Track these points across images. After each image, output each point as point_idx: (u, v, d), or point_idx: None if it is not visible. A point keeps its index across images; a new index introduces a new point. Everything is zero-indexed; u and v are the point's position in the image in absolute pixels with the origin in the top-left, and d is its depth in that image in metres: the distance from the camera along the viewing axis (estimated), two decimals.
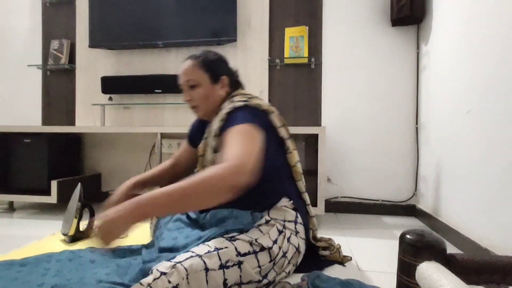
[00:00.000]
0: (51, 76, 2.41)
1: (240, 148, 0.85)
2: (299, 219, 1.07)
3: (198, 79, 1.10)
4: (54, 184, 1.89)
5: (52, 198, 1.90)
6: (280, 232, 0.99)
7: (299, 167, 1.14)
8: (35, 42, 2.41)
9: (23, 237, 1.47)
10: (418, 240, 0.59)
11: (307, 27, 2.06)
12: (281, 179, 1.10)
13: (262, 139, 0.96)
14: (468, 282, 0.50)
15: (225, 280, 0.81)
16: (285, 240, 0.99)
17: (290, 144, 1.12)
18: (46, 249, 1.26)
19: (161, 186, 1.14)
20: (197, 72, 1.10)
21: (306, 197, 1.16)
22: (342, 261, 1.18)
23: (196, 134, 1.28)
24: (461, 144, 1.42)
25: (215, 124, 1.06)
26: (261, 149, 0.92)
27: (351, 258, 1.23)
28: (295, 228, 1.05)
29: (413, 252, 0.59)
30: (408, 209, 1.99)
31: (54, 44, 2.35)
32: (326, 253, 1.18)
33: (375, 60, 2.03)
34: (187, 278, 0.73)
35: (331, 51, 2.08)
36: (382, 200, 2.03)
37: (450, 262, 0.56)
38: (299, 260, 1.08)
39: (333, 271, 1.11)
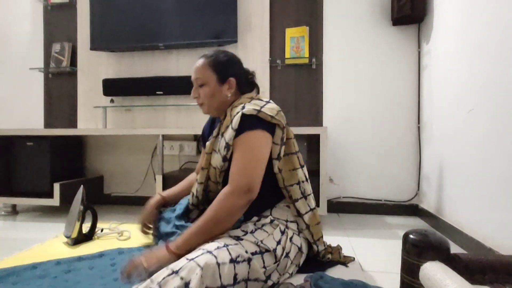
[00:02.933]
0: (53, 79, 2.41)
1: (243, 167, 0.96)
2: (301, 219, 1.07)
3: (206, 78, 1.12)
4: (56, 187, 1.90)
5: (55, 201, 1.90)
6: (282, 232, 1.00)
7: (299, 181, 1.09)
8: (37, 45, 2.42)
9: (26, 240, 1.47)
10: (421, 240, 0.58)
11: (308, 28, 2.06)
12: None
13: (269, 145, 1.02)
14: (472, 282, 0.50)
15: (235, 274, 0.82)
16: (288, 240, 1.00)
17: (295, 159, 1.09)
18: (49, 252, 1.26)
19: (182, 197, 1.27)
20: (206, 72, 1.12)
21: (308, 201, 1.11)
22: (344, 261, 1.18)
23: (208, 137, 1.27)
24: (464, 143, 1.41)
25: (226, 131, 1.05)
26: (266, 157, 1.00)
27: (354, 258, 1.22)
28: (297, 227, 1.06)
29: (416, 252, 0.58)
30: (410, 209, 1.99)
31: (56, 47, 2.35)
32: (328, 256, 1.18)
33: (376, 59, 2.03)
34: (200, 273, 0.74)
35: (332, 51, 2.07)
36: (385, 200, 2.02)
37: (454, 262, 0.55)
38: (302, 260, 1.08)
39: (336, 272, 1.10)
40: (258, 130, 0.99)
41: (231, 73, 1.14)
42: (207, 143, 1.14)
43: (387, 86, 2.02)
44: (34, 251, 1.28)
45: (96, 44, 2.22)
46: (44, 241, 1.42)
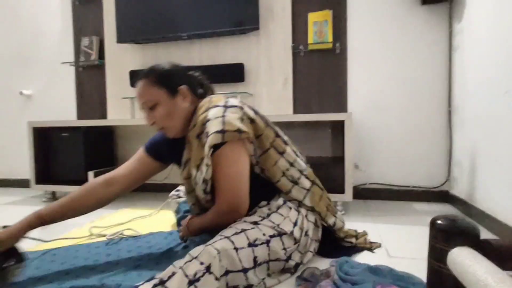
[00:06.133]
0: (83, 72, 2.51)
1: (224, 189, 0.95)
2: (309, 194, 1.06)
3: (154, 97, 1.01)
4: (91, 175, 2.00)
5: None
6: (298, 212, 1.02)
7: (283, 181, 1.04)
8: (67, 40, 2.52)
9: (66, 224, 1.57)
10: (449, 226, 0.57)
11: (331, 11, 2.01)
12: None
13: (245, 150, 0.97)
14: (503, 268, 0.49)
15: (255, 257, 0.85)
16: (304, 219, 1.02)
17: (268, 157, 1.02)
18: (85, 235, 1.35)
19: (69, 216, 1.06)
20: (152, 90, 1.01)
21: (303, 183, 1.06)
22: (370, 247, 1.18)
23: (163, 147, 1.16)
24: (499, 127, 1.34)
25: (201, 164, 0.97)
26: (246, 166, 0.97)
27: (380, 244, 1.22)
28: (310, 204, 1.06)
29: (444, 237, 0.57)
30: (440, 195, 1.93)
31: (84, 41, 2.44)
32: (352, 240, 1.17)
33: (404, 41, 1.95)
34: (218, 257, 0.77)
35: (356, 34, 2.01)
36: (413, 186, 1.97)
37: (484, 248, 0.54)
38: (320, 235, 1.10)
39: (362, 258, 1.10)
40: (232, 143, 0.94)
41: (180, 81, 1.05)
42: (183, 172, 1.07)
43: (416, 69, 1.94)
44: (72, 234, 1.38)
45: (122, 37, 2.27)
46: (83, 225, 1.51)
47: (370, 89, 2.01)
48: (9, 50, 2.66)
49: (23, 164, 2.58)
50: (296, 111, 2.12)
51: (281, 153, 1.03)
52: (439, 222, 0.59)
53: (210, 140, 0.92)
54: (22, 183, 2.63)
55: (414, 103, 1.96)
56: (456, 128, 1.83)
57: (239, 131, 0.93)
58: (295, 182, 1.04)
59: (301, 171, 1.06)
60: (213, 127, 0.93)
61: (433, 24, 1.91)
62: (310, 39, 2.03)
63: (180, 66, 1.09)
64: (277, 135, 1.06)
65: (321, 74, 2.08)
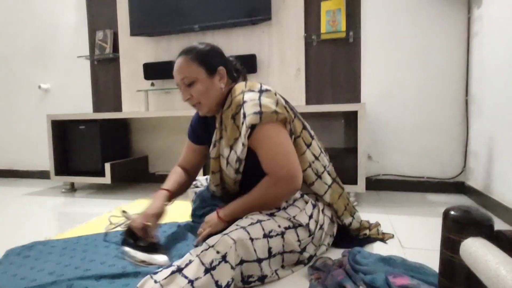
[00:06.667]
0: (98, 65, 2.56)
1: (276, 158, 0.94)
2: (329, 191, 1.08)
3: (193, 74, 1.03)
4: (107, 167, 2.06)
5: (107, 179, 2.06)
6: (314, 206, 1.03)
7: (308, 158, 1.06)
8: (82, 34, 2.56)
9: (86, 214, 1.63)
10: (463, 216, 0.57)
11: None
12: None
13: (285, 130, 0.98)
14: None
15: (269, 248, 0.87)
16: (320, 213, 1.03)
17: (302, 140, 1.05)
18: (105, 223, 1.40)
19: (180, 193, 1.20)
20: (192, 67, 1.03)
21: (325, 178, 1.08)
22: (383, 238, 1.18)
23: (200, 132, 1.22)
24: None
25: (235, 144, 0.99)
26: (290, 142, 0.98)
27: (393, 235, 1.22)
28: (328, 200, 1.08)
29: (457, 228, 0.57)
30: (456, 186, 1.90)
31: (99, 34, 2.47)
32: (365, 232, 1.18)
33: (420, 29, 1.90)
34: (234, 247, 0.79)
35: (370, 22, 1.97)
36: (427, 177, 1.95)
37: (497, 239, 0.54)
38: (335, 230, 1.11)
39: (375, 248, 1.11)
40: (272, 123, 0.95)
41: (218, 62, 1.07)
42: (212, 150, 1.09)
43: (432, 57, 1.90)
44: (93, 223, 1.43)
45: (136, 30, 2.30)
46: (101, 215, 1.56)
47: (384, 78, 1.98)
48: (27, 46, 2.73)
49: (43, 156, 2.67)
50: (308, 101, 2.11)
51: (308, 145, 1.05)
52: (452, 212, 0.59)
53: (249, 120, 0.93)
54: (42, 175, 2.72)
55: (430, 93, 1.92)
56: (473, 117, 1.79)
57: (275, 112, 0.95)
58: (319, 176, 1.06)
59: (324, 167, 1.08)
60: (250, 108, 0.95)
61: (451, 9, 1.85)
62: (323, 28, 2.00)
63: (219, 49, 1.12)
64: (304, 128, 1.08)
65: (334, 64, 2.06)
